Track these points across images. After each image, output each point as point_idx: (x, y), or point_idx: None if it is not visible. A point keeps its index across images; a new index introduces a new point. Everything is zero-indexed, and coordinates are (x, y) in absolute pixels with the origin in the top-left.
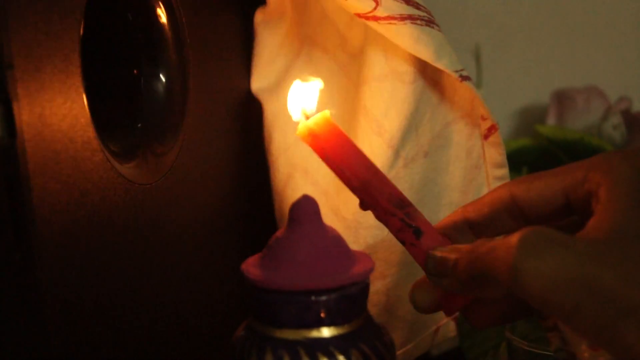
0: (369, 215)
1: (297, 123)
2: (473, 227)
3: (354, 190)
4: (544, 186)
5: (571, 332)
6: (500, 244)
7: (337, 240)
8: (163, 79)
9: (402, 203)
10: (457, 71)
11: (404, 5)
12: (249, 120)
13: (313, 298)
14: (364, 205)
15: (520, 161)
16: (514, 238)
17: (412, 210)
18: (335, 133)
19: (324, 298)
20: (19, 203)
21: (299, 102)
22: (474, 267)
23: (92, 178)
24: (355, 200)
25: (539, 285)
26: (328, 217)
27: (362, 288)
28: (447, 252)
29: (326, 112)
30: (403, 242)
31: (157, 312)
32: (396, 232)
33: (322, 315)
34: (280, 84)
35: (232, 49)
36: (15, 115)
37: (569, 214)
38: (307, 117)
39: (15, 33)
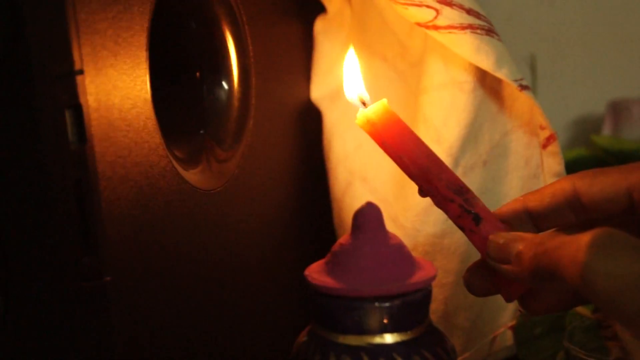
0: (427, 223)
1: (356, 132)
2: (532, 216)
3: (412, 177)
4: (608, 182)
5: (632, 342)
6: (570, 241)
7: (400, 247)
8: (225, 86)
9: (461, 189)
10: (516, 80)
11: (465, 15)
12: (308, 128)
13: (376, 304)
14: (422, 192)
15: (576, 171)
16: (586, 237)
17: (471, 196)
18: (394, 121)
19: (387, 304)
20: (88, 207)
21: (355, 89)
22: (539, 260)
23: (158, 184)
24: (413, 208)
25: (608, 286)
26: (387, 225)
27: (425, 295)
28: (511, 240)
29: (384, 101)
30: (462, 228)
31: (218, 317)
32: (455, 218)
33: (385, 321)
34: (339, 93)
35: (292, 57)
36: (85, 121)
37: (632, 213)
38: (365, 105)
39: (85, 39)
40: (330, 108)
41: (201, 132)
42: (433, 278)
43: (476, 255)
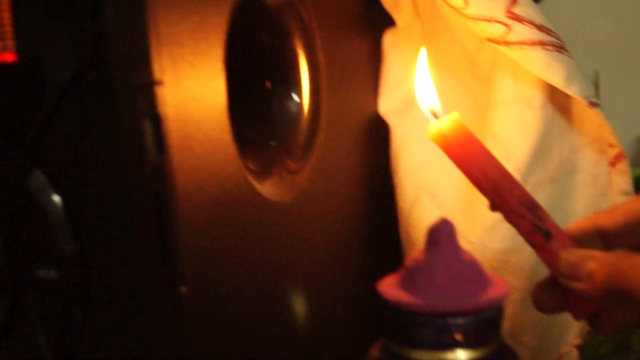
0: (495, 239)
1: (424, 146)
2: (603, 235)
3: (483, 191)
4: None
5: None
6: None
7: (473, 264)
8: (296, 98)
9: (532, 205)
10: (586, 97)
11: (536, 31)
12: (376, 141)
13: (450, 320)
14: (493, 207)
15: (639, 189)
16: None
17: (542, 213)
18: (466, 135)
19: (460, 321)
20: (166, 218)
21: (426, 102)
22: (613, 280)
23: (233, 195)
24: (481, 224)
25: None
26: None
27: (498, 311)
28: (583, 257)
29: (456, 114)
30: (532, 245)
31: (289, 328)
32: (526, 234)
33: (458, 337)
34: (407, 106)
35: (361, 69)
36: (163, 131)
37: None
38: (436, 117)
39: (165, 50)
40: (399, 121)
41: (272, 143)
42: (506, 295)
43: (543, 273)
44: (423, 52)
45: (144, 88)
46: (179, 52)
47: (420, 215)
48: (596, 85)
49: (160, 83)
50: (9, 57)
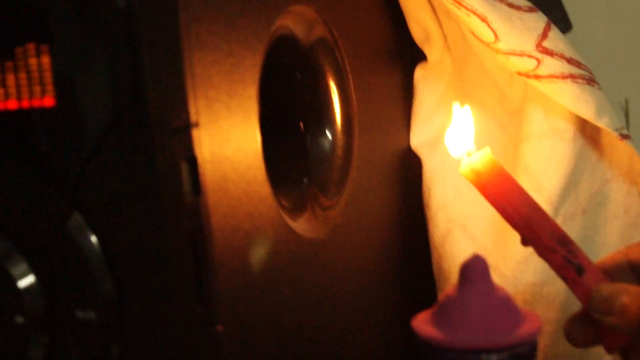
0: (527, 271)
1: (455, 180)
2: (635, 268)
3: (515, 226)
4: None
5: None
6: None
7: (506, 299)
8: (329, 135)
9: (564, 240)
10: (617, 129)
11: (566, 64)
12: (408, 175)
13: (483, 357)
14: (525, 242)
15: None
16: None
17: (574, 247)
18: (498, 170)
19: (494, 357)
20: (202, 258)
21: (458, 139)
22: None
23: (267, 233)
24: (514, 257)
25: None
26: None
27: (531, 347)
28: (615, 291)
29: (488, 150)
30: (565, 279)
31: None
32: (558, 268)
33: None
34: (439, 140)
35: (393, 104)
36: (200, 173)
37: None
38: (468, 154)
39: (201, 93)
40: (430, 155)
41: (305, 180)
42: (539, 330)
43: (576, 304)
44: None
45: (181, 131)
46: (215, 94)
47: (452, 248)
48: (626, 114)
49: (196, 125)
50: (49, 101)
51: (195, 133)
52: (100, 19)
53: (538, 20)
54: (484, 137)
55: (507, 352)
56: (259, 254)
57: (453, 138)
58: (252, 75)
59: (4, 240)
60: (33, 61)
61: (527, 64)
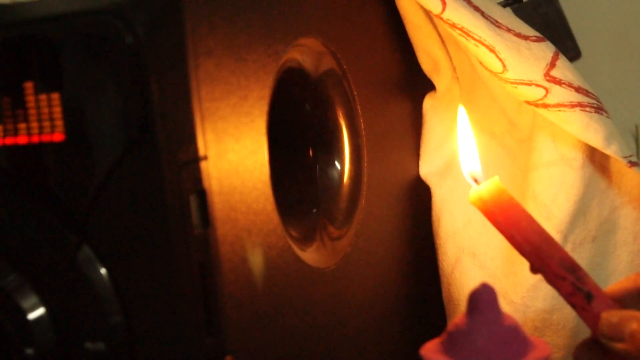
0: (537, 298)
1: (465, 208)
2: None
3: (524, 254)
4: None
5: None
6: None
7: (514, 328)
8: (338, 166)
9: (573, 267)
10: (626, 157)
11: (574, 93)
12: (417, 204)
13: None
14: (534, 269)
15: None
16: None
17: (583, 274)
18: (506, 199)
19: None
20: (211, 289)
21: (468, 166)
22: None
23: (276, 263)
24: (523, 284)
25: None
26: None
27: None
28: (625, 318)
29: (496, 178)
30: (574, 306)
31: None
32: (567, 296)
33: None
34: (448, 169)
35: (402, 134)
36: (208, 206)
37: None
38: (477, 182)
39: (209, 126)
40: (439, 184)
41: (314, 210)
42: (547, 358)
43: (585, 331)
44: (462, 111)
45: (189, 164)
46: (223, 127)
47: (461, 276)
48: (637, 141)
49: (204, 158)
50: (58, 137)
51: (203, 166)
52: (109, 54)
53: (546, 50)
54: (493, 165)
55: None
56: (259, 268)
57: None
58: (260, 108)
59: (14, 273)
60: (43, 97)
61: (536, 93)
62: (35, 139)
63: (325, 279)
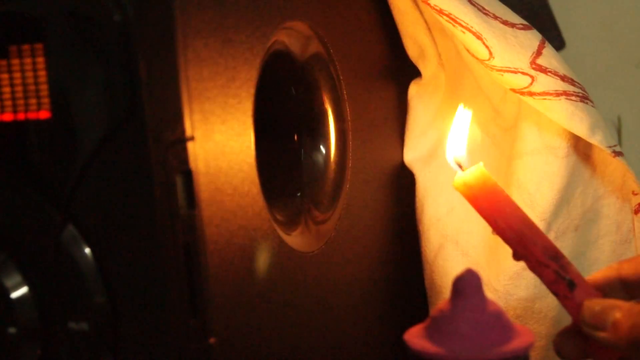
0: (519, 287)
1: (448, 195)
2: (626, 284)
3: (508, 241)
4: None
5: None
6: None
7: (498, 314)
8: (323, 150)
9: (556, 255)
10: (610, 147)
11: (560, 82)
12: (401, 190)
13: None
14: (517, 256)
15: None
16: None
17: (566, 262)
18: (490, 185)
19: None
20: (196, 271)
21: (453, 151)
22: (638, 330)
23: (260, 247)
24: (506, 272)
25: None
26: None
27: None
28: (607, 307)
29: (480, 165)
30: (556, 294)
31: None
32: (549, 283)
33: None
34: (432, 156)
35: (387, 120)
36: (194, 186)
37: None
38: (461, 167)
39: (196, 106)
40: (423, 170)
41: (299, 194)
42: (531, 345)
43: (568, 319)
44: (462, 111)
45: (176, 144)
46: (210, 108)
47: (444, 262)
48: (619, 131)
49: (191, 139)
50: (44, 114)
51: (190, 146)
52: (97, 32)
53: (532, 38)
54: (478, 152)
55: None
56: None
57: (452, 141)
58: (247, 90)
59: None
60: (28, 61)
61: (521, 81)
62: (21, 117)
63: (309, 262)
